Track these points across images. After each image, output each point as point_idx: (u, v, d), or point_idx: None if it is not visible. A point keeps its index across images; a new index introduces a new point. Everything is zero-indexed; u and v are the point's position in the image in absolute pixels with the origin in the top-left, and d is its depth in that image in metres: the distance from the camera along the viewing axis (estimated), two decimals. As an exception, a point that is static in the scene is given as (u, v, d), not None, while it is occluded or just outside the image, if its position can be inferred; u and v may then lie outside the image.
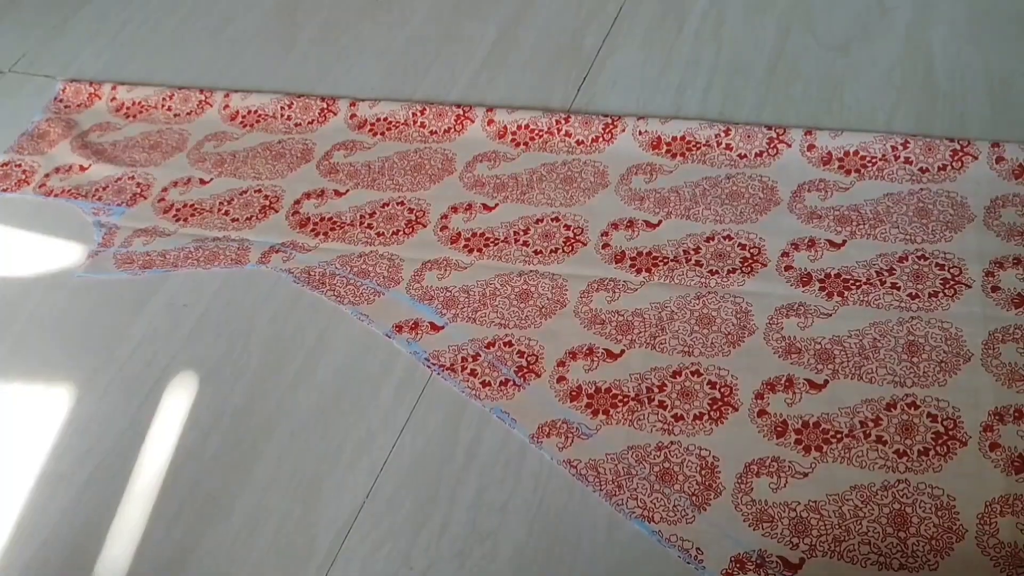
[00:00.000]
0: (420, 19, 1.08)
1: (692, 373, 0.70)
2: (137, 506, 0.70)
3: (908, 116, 0.83)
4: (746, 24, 0.96)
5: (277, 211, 0.88)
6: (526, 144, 0.89)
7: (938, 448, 0.63)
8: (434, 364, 0.74)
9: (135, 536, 0.69)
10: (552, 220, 0.82)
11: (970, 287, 0.71)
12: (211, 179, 0.93)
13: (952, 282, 0.71)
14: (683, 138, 0.85)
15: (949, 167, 0.78)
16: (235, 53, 1.08)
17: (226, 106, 1.00)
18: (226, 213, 0.89)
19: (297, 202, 0.89)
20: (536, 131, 0.90)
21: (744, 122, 0.86)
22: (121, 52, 1.14)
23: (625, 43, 0.98)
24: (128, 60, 1.12)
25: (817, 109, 0.86)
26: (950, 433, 0.64)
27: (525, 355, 0.73)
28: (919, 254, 0.73)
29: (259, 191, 0.90)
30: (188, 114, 1.01)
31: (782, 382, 0.68)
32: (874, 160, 0.80)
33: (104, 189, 0.93)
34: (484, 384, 0.72)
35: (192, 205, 0.90)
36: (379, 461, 0.70)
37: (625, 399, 0.70)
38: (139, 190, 0.93)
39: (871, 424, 0.65)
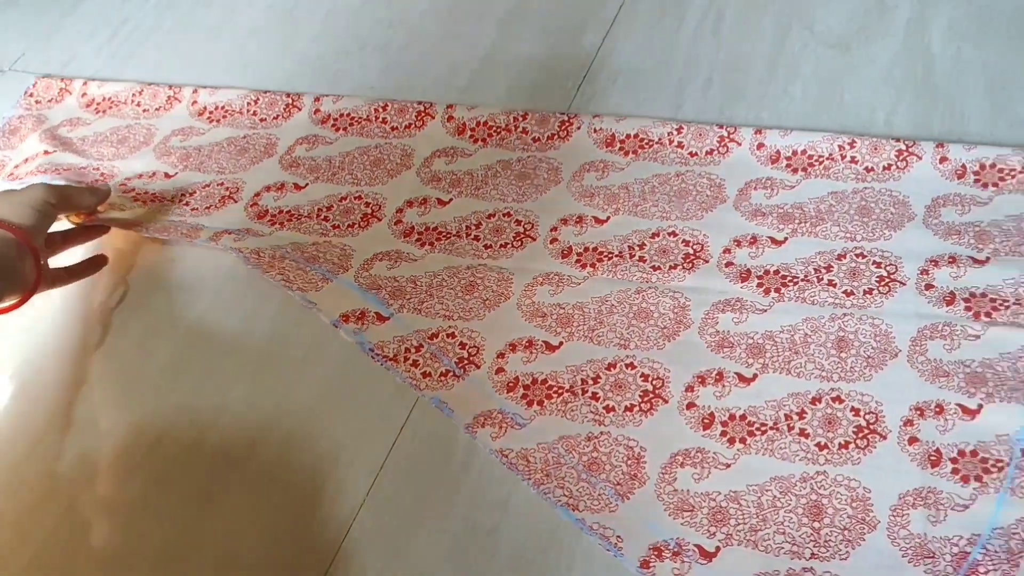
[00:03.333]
0: (419, 15, 1.08)
1: (627, 365, 0.71)
2: (137, 505, 0.72)
3: (908, 114, 0.83)
4: (745, 22, 0.96)
5: (236, 202, 0.90)
6: (484, 140, 0.91)
7: (858, 441, 0.64)
8: (378, 354, 0.75)
9: (135, 535, 0.70)
10: (504, 215, 0.84)
11: (905, 284, 0.71)
12: (175, 173, 0.95)
13: (887, 279, 0.72)
14: (636, 136, 0.86)
15: (894, 166, 0.79)
16: (234, 50, 1.10)
17: (194, 102, 1.02)
18: (187, 204, 0.91)
19: (257, 195, 0.90)
20: (494, 128, 0.91)
21: (742, 123, 0.86)
22: (120, 50, 1.15)
23: (625, 41, 0.99)
24: (127, 58, 1.14)
25: (817, 107, 0.86)
26: (871, 427, 0.65)
27: (467, 346, 0.75)
28: (858, 252, 0.74)
29: (221, 184, 0.92)
30: (157, 109, 1.02)
31: (713, 375, 0.69)
32: (821, 159, 0.81)
33: (67, 171, 0.95)
34: (425, 375, 0.73)
35: (154, 194, 0.92)
36: (378, 459, 0.71)
37: (560, 390, 0.71)
38: (102, 178, 0.95)
39: (795, 417, 0.66)
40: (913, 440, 0.63)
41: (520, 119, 0.91)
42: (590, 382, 0.70)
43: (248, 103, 1.00)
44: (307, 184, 0.91)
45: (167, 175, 0.95)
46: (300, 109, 0.98)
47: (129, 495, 0.73)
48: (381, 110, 0.95)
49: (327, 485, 0.70)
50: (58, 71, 1.13)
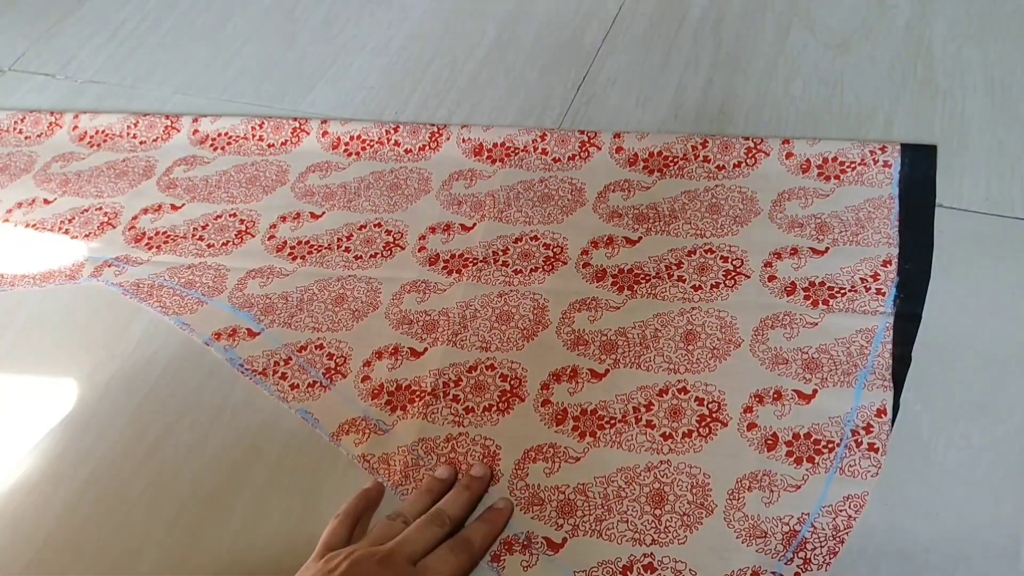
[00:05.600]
0: (419, 15, 1.10)
1: (487, 368, 0.74)
2: (138, 506, 0.72)
3: (908, 114, 0.84)
4: (746, 22, 0.97)
5: (115, 227, 0.91)
6: (357, 154, 0.93)
7: (701, 430, 0.67)
8: (247, 369, 0.76)
9: (136, 536, 0.70)
10: (375, 226, 0.86)
11: (749, 277, 0.75)
12: (55, 198, 0.95)
13: (733, 273, 0.75)
14: (503, 144, 0.89)
15: (743, 164, 0.82)
16: (234, 51, 1.11)
17: (74, 127, 1.02)
18: (67, 232, 0.91)
19: (135, 218, 0.91)
20: (368, 141, 0.93)
21: (741, 122, 0.88)
22: (120, 50, 1.16)
23: (625, 41, 1.00)
24: (126, 58, 1.14)
25: (817, 107, 0.87)
26: (714, 415, 0.68)
27: (334, 357, 0.77)
28: (707, 248, 0.77)
29: (99, 208, 0.93)
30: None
31: (567, 373, 0.72)
32: (675, 160, 0.84)
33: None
34: (292, 387, 0.75)
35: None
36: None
37: (422, 394, 0.73)
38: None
39: (643, 409, 0.69)
40: (752, 426, 0.66)
41: (392, 132, 0.93)
42: (452, 385, 0.73)
43: (128, 126, 1.00)
44: (184, 204, 0.92)
45: (46, 201, 0.95)
46: (179, 131, 0.99)
47: (130, 494, 0.73)
48: (258, 128, 0.97)
49: (329, 483, 0.71)
50: (58, 71, 1.14)
